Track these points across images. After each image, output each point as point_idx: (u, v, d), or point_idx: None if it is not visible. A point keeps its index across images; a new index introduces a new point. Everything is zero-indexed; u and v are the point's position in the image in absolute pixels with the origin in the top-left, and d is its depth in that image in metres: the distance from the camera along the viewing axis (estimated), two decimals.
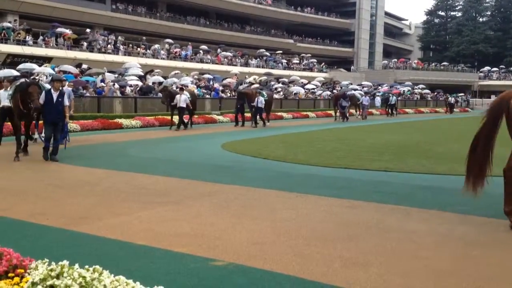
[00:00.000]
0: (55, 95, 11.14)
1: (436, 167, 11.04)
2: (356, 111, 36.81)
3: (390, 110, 40.57)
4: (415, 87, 58.85)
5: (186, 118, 22.73)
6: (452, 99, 52.47)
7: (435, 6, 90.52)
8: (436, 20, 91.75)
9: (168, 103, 22.36)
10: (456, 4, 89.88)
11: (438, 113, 49.21)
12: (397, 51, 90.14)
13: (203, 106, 31.05)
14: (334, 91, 46.86)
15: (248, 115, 25.76)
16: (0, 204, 6.94)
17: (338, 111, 32.30)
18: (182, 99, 21.30)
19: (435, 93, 61.76)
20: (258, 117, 24.89)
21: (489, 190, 6.61)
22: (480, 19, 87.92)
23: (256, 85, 33.78)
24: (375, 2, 78.53)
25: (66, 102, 11.53)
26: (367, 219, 6.49)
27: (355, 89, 42.81)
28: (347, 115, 32.57)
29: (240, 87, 30.08)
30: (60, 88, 11.81)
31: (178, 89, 22.95)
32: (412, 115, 45.29)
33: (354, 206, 7.22)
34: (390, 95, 42.44)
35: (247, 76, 42.88)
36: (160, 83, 31.51)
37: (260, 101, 24.11)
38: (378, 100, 46.70)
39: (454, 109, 51.68)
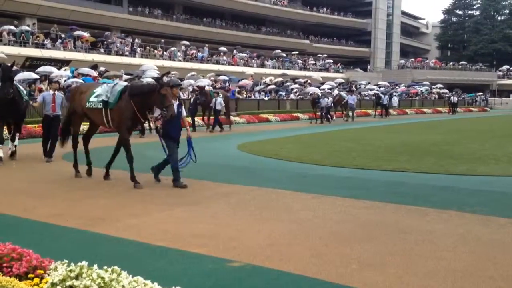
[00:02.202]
0: (175, 105, 8.64)
1: (454, 168, 10.93)
2: (343, 112, 33.16)
3: (381, 110, 36.23)
4: (433, 86, 58.31)
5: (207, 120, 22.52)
6: (454, 98, 47.41)
7: (452, 4, 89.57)
8: (454, 19, 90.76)
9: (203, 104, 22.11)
10: (474, 2, 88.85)
11: (441, 114, 45.35)
12: (414, 50, 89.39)
13: None
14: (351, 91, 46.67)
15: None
16: (20, 206, 7.03)
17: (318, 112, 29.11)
18: (218, 102, 21.38)
19: (453, 92, 61.18)
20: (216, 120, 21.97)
21: (509, 190, 6.54)
22: (499, 18, 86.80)
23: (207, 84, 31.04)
24: (391, 1, 77.96)
25: (184, 113, 9.24)
26: (384, 220, 6.45)
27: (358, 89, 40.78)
28: (330, 116, 29.72)
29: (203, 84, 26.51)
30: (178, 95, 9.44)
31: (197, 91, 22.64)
32: (410, 116, 43.19)
33: (371, 207, 7.19)
34: (382, 94, 37.67)
35: (263, 77, 42.87)
36: None
37: (219, 102, 21.64)
38: (395, 100, 46.37)
39: (458, 109, 46.78)
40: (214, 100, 21.65)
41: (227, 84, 36.90)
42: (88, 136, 10.00)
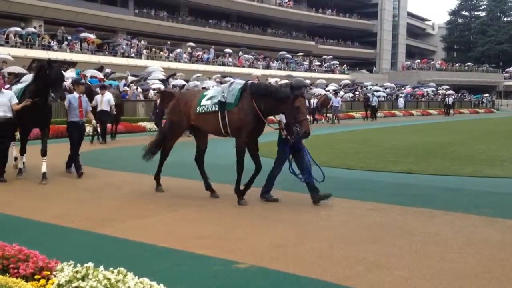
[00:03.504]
0: None
1: (460, 169, 10.89)
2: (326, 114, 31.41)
3: (371, 113, 34.20)
4: (439, 88, 58.15)
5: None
6: (450, 100, 44.40)
7: (458, 6, 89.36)
8: (460, 20, 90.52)
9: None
10: (480, 4, 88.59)
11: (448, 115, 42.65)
12: (420, 51, 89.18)
13: None
14: (356, 92, 46.62)
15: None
16: (26, 207, 7.06)
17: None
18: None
19: (459, 94, 60.99)
20: None
21: None
22: (505, 19, 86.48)
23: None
24: (397, 2, 77.82)
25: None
26: (391, 221, 6.43)
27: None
28: (313, 118, 28.08)
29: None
30: None
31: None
32: (416, 117, 42.33)
33: (377, 208, 7.17)
34: (370, 95, 36.02)
35: (268, 79, 42.87)
36: (182, 87, 31.70)
37: None
38: (401, 102, 46.31)
39: (451, 111, 43.86)
40: None
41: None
42: (200, 154, 8.48)
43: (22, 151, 9.53)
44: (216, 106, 7.59)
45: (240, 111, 7.44)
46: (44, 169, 8.91)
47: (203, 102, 7.78)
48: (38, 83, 8.96)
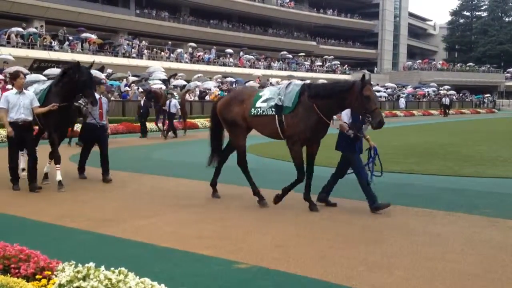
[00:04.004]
0: None
1: (462, 169, 10.88)
2: None
3: None
4: (440, 88, 58.13)
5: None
6: (446, 99, 44.17)
7: (460, 6, 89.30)
8: (461, 20, 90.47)
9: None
10: (482, 4, 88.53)
11: (449, 116, 42.56)
12: (421, 52, 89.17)
13: None
14: None
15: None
16: (27, 207, 7.07)
17: None
18: (172, 104, 19.21)
19: (460, 94, 60.95)
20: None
21: None
22: (506, 19, 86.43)
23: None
24: (398, 3, 77.82)
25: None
26: (392, 222, 6.43)
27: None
28: None
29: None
30: None
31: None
32: (417, 117, 42.09)
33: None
34: None
35: (269, 79, 42.88)
36: (183, 87, 31.73)
37: (173, 104, 19.27)
38: (402, 102, 46.30)
39: (450, 112, 43.70)
40: (168, 102, 19.31)
41: (234, 85, 36.96)
42: (227, 152, 8.22)
43: (57, 159, 8.64)
44: (273, 109, 7.14)
45: (298, 116, 6.97)
46: (59, 176, 8.43)
47: (258, 104, 7.30)
48: (65, 86, 8.44)
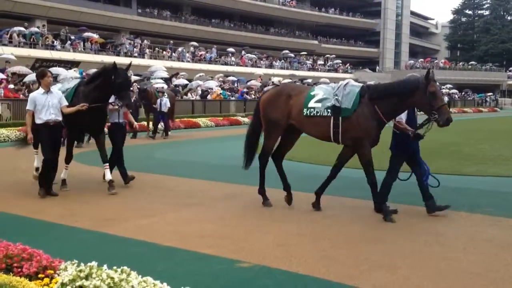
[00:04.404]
0: None
1: (464, 168, 10.87)
2: None
3: None
4: (443, 87, 58.01)
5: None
6: (445, 98, 44.41)
7: (462, 5, 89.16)
8: (463, 19, 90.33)
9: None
10: (484, 2, 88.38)
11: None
12: (423, 50, 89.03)
13: (228, 108, 31.16)
14: None
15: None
16: (30, 206, 7.08)
17: None
18: (163, 103, 18.65)
19: (463, 93, 60.84)
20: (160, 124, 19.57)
21: None
22: (509, 18, 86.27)
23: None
24: (400, 1, 77.72)
25: None
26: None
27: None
28: None
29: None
30: None
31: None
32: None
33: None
34: None
35: (271, 78, 42.87)
36: (185, 86, 31.74)
37: (164, 103, 18.72)
38: None
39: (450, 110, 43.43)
40: (159, 101, 18.82)
41: (236, 85, 36.98)
42: (281, 154, 7.68)
43: (68, 159, 8.53)
44: (329, 110, 6.71)
45: (359, 119, 6.59)
46: (108, 176, 8.21)
47: (312, 104, 6.84)
48: (99, 87, 8.12)
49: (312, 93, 6.98)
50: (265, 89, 35.77)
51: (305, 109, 6.87)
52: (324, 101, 6.78)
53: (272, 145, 7.41)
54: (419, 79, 6.47)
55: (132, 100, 19.58)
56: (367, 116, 6.57)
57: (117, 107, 8.85)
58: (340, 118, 6.64)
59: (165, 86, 25.87)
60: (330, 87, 7.05)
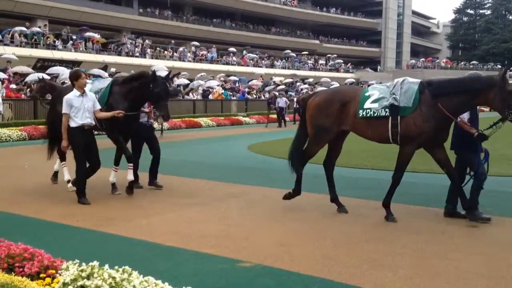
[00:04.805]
0: None
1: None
2: None
3: None
4: None
5: None
6: None
7: (463, 4, 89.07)
8: (465, 19, 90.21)
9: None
10: (485, 2, 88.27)
11: None
12: (425, 50, 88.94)
13: (229, 108, 31.17)
14: None
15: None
16: (31, 206, 7.08)
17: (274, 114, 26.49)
18: None
19: None
20: None
21: None
22: (510, 17, 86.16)
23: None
24: (402, 1, 77.68)
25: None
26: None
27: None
28: (286, 119, 27.05)
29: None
30: None
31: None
32: None
33: (381, 207, 7.15)
34: None
35: (272, 78, 42.89)
36: (186, 86, 31.74)
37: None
38: None
39: None
40: None
41: (237, 84, 36.99)
42: (333, 163, 7.39)
43: (117, 162, 8.15)
44: (387, 110, 6.39)
45: (419, 117, 6.28)
46: (130, 176, 7.87)
47: (368, 104, 6.53)
48: (135, 93, 7.77)
49: (366, 94, 6.67)
50: (267, 88, 35.91)
51: (360, 111, 6.55)
52: (381, 101, 6.47)
53: (316, 151, 7.10)
54: (493, 77, 6.21)
55: None
56: (428, 115, 6.27)
57: (145, 114, 8.47)
58: (399, 117, 6.34)
59: None
60: (385, 86, 6.80)
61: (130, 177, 7.85)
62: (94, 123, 7.43)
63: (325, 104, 6.83)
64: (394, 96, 6.39)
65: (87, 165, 7.49)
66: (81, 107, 7.20)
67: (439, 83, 6.51)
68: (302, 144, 7.24)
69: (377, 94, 6.57)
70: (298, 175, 7.21)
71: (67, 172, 8.47)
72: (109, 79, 8.59)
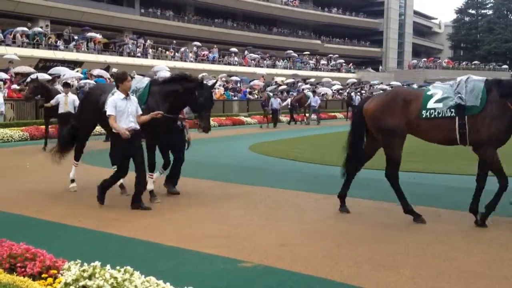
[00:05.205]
0: None
1: (467, 168, 10.82)
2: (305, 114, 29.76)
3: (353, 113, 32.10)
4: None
5: None
6: None
7: (465, 4, 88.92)
8: (467, 19, 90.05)
9: None
10: (487, 2, 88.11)
11: None
12: (426, 50, 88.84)
13: (231, 108, 31.17)
14: (363, 91, 46.50)
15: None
16: (34, 206, 7.09)
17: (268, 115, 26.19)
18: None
19: None
20: None
21: None
22: None
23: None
24: (403, 1, 77.59)
25: None
26: (397, 220, 6.42)
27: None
28: (277, 119, 26.49)
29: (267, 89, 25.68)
30: None
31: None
32: None
33: (383, 207, 7.16)
34: (353, 94, 33.42)
35: (274, 78, 42.86)
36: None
37: None
38: None
39: None
40: None
41: (239, 84, 36.98)
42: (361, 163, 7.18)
43: (152, 167, 7.69)
44: (453, 110, 6.15)
45: (489, 117, 6.05)
46: (151, 186, 7.57)
47: (432, 104, 6.24)
48: (176, 96, 7.44)
49: (429, 93, 6.39)
50: (268, 88, 35.87)
51: (423, 111, 6.25)
52: (446, 100, 6.19)
53: (399, 154, 6.66)
54: None
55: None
56: (498, 113, 6.03)
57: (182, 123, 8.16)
58: (466, 117, 6.08)
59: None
60: (448, 85, 6.51)
61: (151, 186, 7.53)
62: (138, 127, 6.97)
63: (387, 104, 6.51)
64: (459, 95, 6.14)
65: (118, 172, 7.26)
66: (125, 111, 6.84)
67: (508, 82, 6.34)
68: (359, 150, 7.00)
69: (440, 94, 6.30)
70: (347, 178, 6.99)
71: (74, 171, 8.35)
72: (147, 78, 8.19)
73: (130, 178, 7.73)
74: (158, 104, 7.39)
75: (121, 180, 7.84)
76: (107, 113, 6.85)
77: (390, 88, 49.52)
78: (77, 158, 8.49)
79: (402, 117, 6.39)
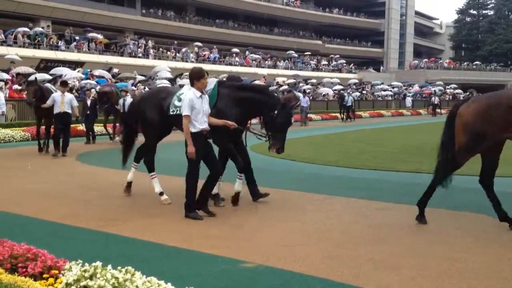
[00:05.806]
0: None
1: (468, 169, 10.80)
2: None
3: (346, 113, 31.70)
4: (447, 87, 57.89)
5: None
6: (436, 99, 41.97)
7: (466, 4, 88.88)
8: (468, 19, 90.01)
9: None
10: (488, 2, 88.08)
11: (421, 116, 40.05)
12: (428, 50, 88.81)
13: None
14: (364, 91, 46.49)
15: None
16: (34, 206, 7.09)
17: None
18: (127, 103, 14.54)
19: (468, 93, 60.67)
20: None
21: None
22: None
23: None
24: (405, 1, 77.56)
25: None
26: (398, 221, 6.42)
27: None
28: None
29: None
30: None
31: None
32: (423, 116, 38.78)
33: (384, 208, 7.15)
34: (346, 94, 33.17)
35: (275, 78, 42.85)
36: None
37: (128, 103, 14.36)
38: (409, 101, 46.19)
39: (441, 111, 39.29)
40: (122, 101, 16.05)
41: None
42: (490, 176, 6.53)
43: (241, 170, 7.46)
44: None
45: None
46: (238, 187, 7.32)
47: None
48: (249, 106, 7.05)
49: None
50: (270, 89, 35.83)
51: None
52: None
53: (465, 161, 6.36)
54: None
55: (88, 103, 17.20)
56: None
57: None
58: None
59: (132, 87, 24.49)
60: None
61: (238, 187, 7.25)
62: (209, 128, 6.53)
63: (488, 108, 5.90)
64: None
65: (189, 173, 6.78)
66: (200, 110, 6.40)
67: None
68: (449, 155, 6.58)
69: None
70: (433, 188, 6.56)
71: (158, 184, 7.65)
72: (213, 79, 7.69)
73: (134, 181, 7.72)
74: (229, 108, 6.97)
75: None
76: (184, 114, 6.39)
77: (395, 89, 49.36)
78: (150, 169, 7.88)
79: (500, 125, 5.86)
